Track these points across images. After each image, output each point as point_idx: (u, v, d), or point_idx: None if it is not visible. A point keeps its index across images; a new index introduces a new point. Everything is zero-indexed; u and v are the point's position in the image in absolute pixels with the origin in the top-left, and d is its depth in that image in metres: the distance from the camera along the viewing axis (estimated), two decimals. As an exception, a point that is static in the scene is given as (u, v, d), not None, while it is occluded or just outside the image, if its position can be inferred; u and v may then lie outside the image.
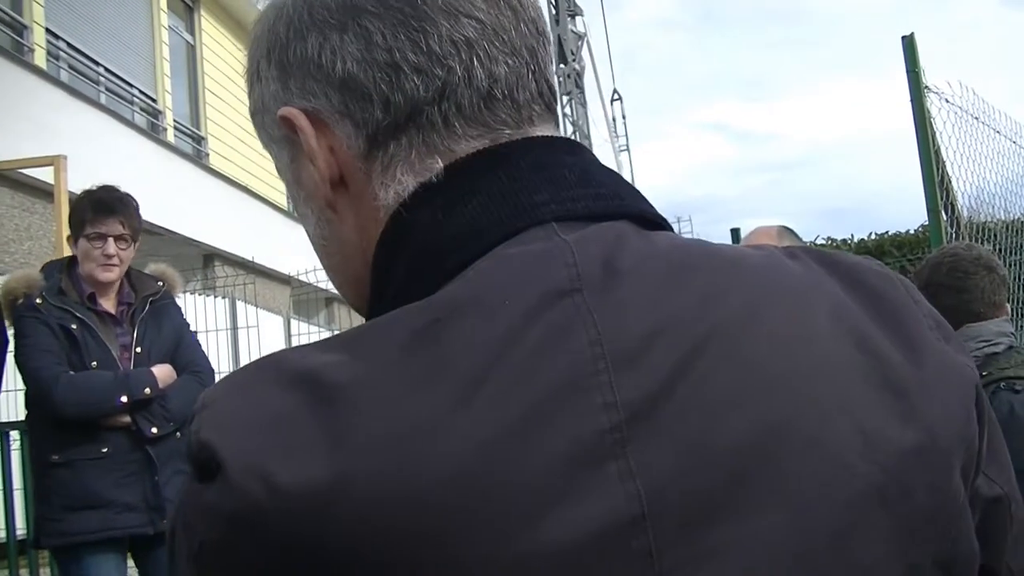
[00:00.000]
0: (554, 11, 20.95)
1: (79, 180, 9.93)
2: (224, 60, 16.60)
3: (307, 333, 9.66)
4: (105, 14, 13.27)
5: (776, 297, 0.78)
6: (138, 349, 3.96)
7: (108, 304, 3.99)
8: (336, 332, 11.50)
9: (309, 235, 0.95)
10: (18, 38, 11.15)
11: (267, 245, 15.52)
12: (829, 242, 11.56)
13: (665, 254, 0.79)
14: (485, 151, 0.84)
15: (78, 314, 3.87)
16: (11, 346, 3.95)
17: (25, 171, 10.02)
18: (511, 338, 0.71)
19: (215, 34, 16.50)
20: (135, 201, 4.08)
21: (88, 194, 4.06)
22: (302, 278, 12.00)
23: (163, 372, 3.92)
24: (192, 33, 16.06)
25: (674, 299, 0.74)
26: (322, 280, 7.81)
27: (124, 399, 3.77)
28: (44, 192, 10.30)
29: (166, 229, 12.74)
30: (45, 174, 9.91)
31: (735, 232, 7.40)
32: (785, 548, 0.69)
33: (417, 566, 0.65)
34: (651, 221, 0.84)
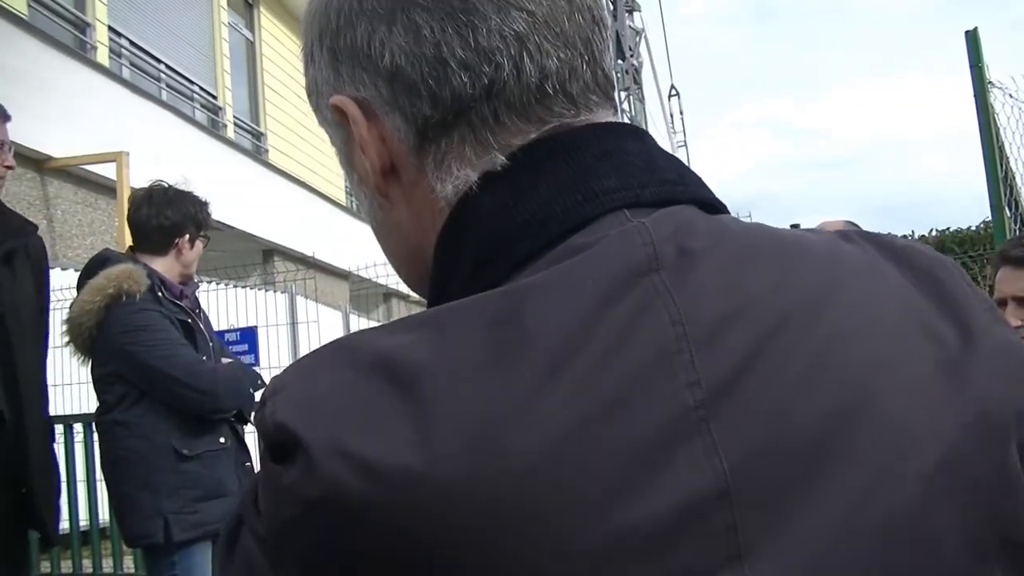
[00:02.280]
0: (612, 6, 20.91)
1: (140, 176, 10.05)
2: (283, 56, 16.70)
3: (367, 327, 9.66)
4: (166, 12, 13.40)
5: (843, 279, 0.79)
6: (211, 344, 4.07)
7: (187, 301, 4.07)
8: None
9: (366, 215, 0.95)
10: (81, 36, 11.27)
11: (326, 240, 15.61)
12: (888, 238, 11.36)
13: (735, 237, 0.79)
14: (548, 139, 0.83)
15: (186, 308, 3.97)
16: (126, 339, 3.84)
17: (88, 167, 10.15)
18: (595, 318, 0.71)
19: (274, 31, 16.61)
20: None
21: (195, 198, 4.09)
22: (361, 273, 12.03)
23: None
24: (252, 30, 16.17)
25: (747, 281, 0.75)
26: (381, 275, 7.81)
27: (251, 391, 3.92)
28: (106, 188, 10.42)
29: (226, 224, 12.82)
30: (107, 170, 10.03)
31: (795, 228, 7.34)
32: (861, 521, 0.70)
33: (504, 546, 0.65)
34: (713, 206, 0.84)
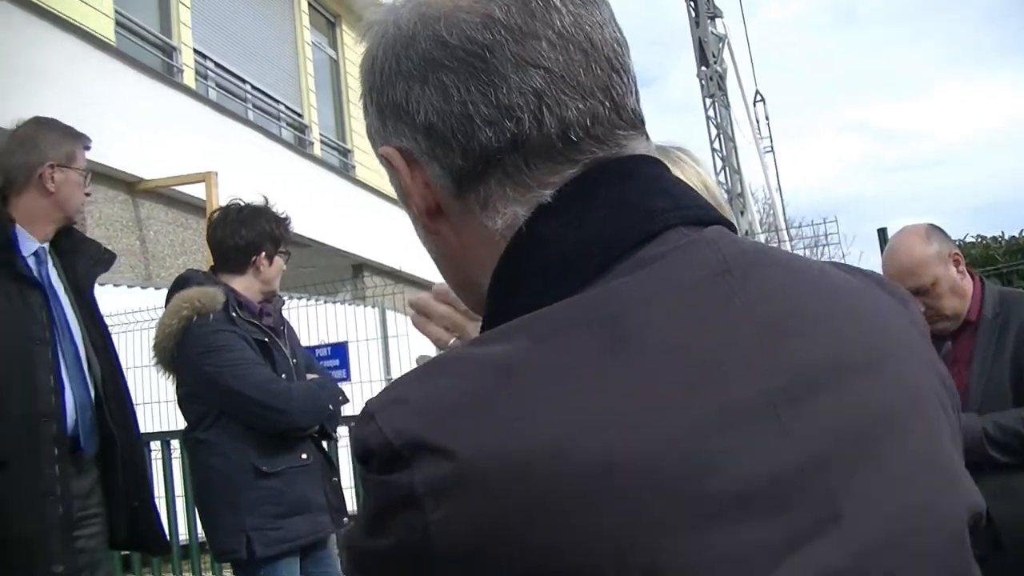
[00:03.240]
0: (694, 14, 20.64)
1: (229, 195, 10.14)
2: (367, 73, 16.78)
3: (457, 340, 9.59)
4: (250, 33, 13.54)
5: (854, 292, 0.97)
6: (294, 360, 4.05)
7: (268, 319, 4.06)
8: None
9: (423, 246, 1.06)
10: (168, 60, 11.43)
11: (414, 254, 15.61)
12: (979, 239, 10.99)
13: (767, 251, 0.95)
14: (596, 169, 0.92)
15: (264, 327, 3.96)
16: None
17: (178, 188, 10.26)
18: (686, 313, 0.84)
19: (358, 48, 16.64)
20: None
21: (267, 210, 4.12)
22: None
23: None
24: (335, 48, 16.30)
25: (791, 286, 0.91)
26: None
27: (331, 407, 3.92)
28: (196, 208, 10.54)
29: (315, 241, 12.91)
30: (197, 190, 10.14)
31: (882, 232, 7.07)
32: (916, 480, 0.88)
33: (637, 511, 0.75)
34: (732, 227, 0.97)
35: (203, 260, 10.58)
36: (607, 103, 0.93)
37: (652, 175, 0.94)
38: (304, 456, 3.87)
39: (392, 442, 0.78)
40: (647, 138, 0.98)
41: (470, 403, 0.78)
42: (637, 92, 0.98)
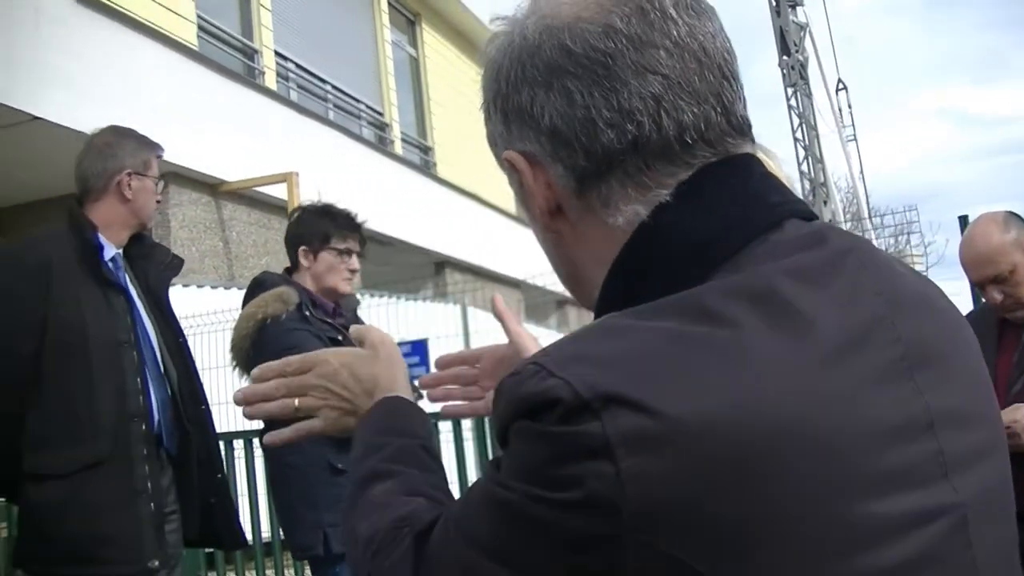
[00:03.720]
0: (775, 3, 20.39)
1: (312, 195, 10.23)
2: (447, 71, 16.85)
3: (538, 336, 9.56)
4: (330, 34, 13.66)
5: (926, 284, 1.09)
6: None
7: (340, 319, 4.06)
8: (567, 333, 11.57)
9: (540, 245, 1.14)
10: (249, 62, 11.57)
11: (496, 250, 15.65)
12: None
13: (867, 241, 1.08)
14: (715, 166, 1.00)
15: (337, 326, 3.95)
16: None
17: (260, 189, 10.38)
18: (828, 289, 0.94)
19: (437, 46, 16.77)
20: None
21: (325, 210, 4.13)
22: (532, 282, 11.99)
23: None
24: (415, 46, 16.37)
25: (890, 273, 1.02)
26: (552, 283, 7.72)
27: None
28: (278, 208, 10.65)
29: (397, 239, 12.99)
30: (279, 190, 10.24)
31: (963, 220, 6.88)
32: (994, 445, 1.04)
33: (811, 474, 0.84)
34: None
35: (285, 260, 10.68)
36: (719, 108, 1.00)
37: (763, 172, 1.03)
38: None
39: (582, 394, 0.83)
40: (752, 142, 1.05)
41: (657, 363, 0.85)
42: (745, 99, 1.05)
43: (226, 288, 8.93)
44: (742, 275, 0.93)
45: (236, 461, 6.41)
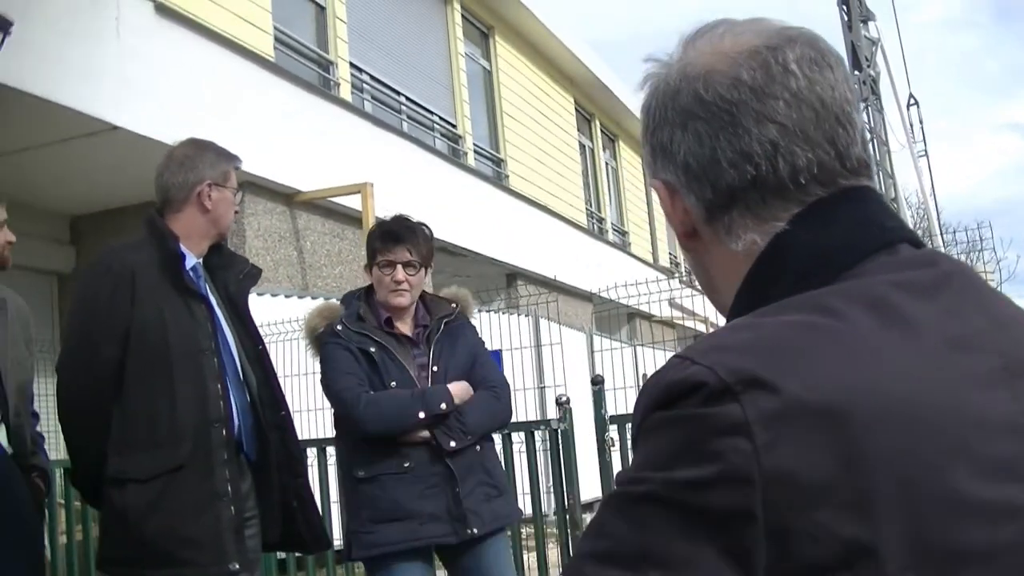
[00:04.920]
0: (846, 17, 20.14)
1: (385, 206, 10.29)
2: (519, 83, 16.89)
3: (609, 349, 9.56)
4: (404, 46, 13.74)
5: (1015, 305, 1.15)
6: (435, 368, 4.09)
7: (404, 327, 4.15)
8: (637, 346, 11.21)
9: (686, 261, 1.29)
10: (325, 74, 11.67)
11: (568, 262, 15.63)
12: None
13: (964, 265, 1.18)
14: (828, 197, 1.11)
15: (376, 338, 4.05)
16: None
17: (335, 199, 10.45)
18: (935, 303, 1.04)
19: (510, 58, 16.81)
20: (426, 228, 4.23)
21: (379, 225, 4.30)
22: (605, 294, 11.96)
23: (459, 388, 4.03)
24: (488, 59, 16.41)
25: (986, 294, 1.11)
26: (623, 296, 7.69)
27: (422, 415, 3.89)
28: (352, 218, 10.73)
29: (469, 250, 13.03)
30: (353, 201, 10.32)
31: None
32: None
33: (932, 454, 0.94)
34: None
35: (359, 269, 10.74)
36: (832, 152, 1.12)
37: (879, 201, 1.15)
38: (407, 464, 3.91)
39: (724, 378, 0.94)
40: (869, 178, 1.17)
41: (786, 348, 0.97)
42: (863, 140, 1.17)
43: (300, 297, 8.99)
44: (857, 282, 1.05)
45: (329, 468, 6.49)
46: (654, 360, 8.68)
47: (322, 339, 4.08)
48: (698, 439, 0.93)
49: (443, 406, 3.93)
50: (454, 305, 4.30)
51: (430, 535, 3.90)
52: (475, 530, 3.91)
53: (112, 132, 7.88)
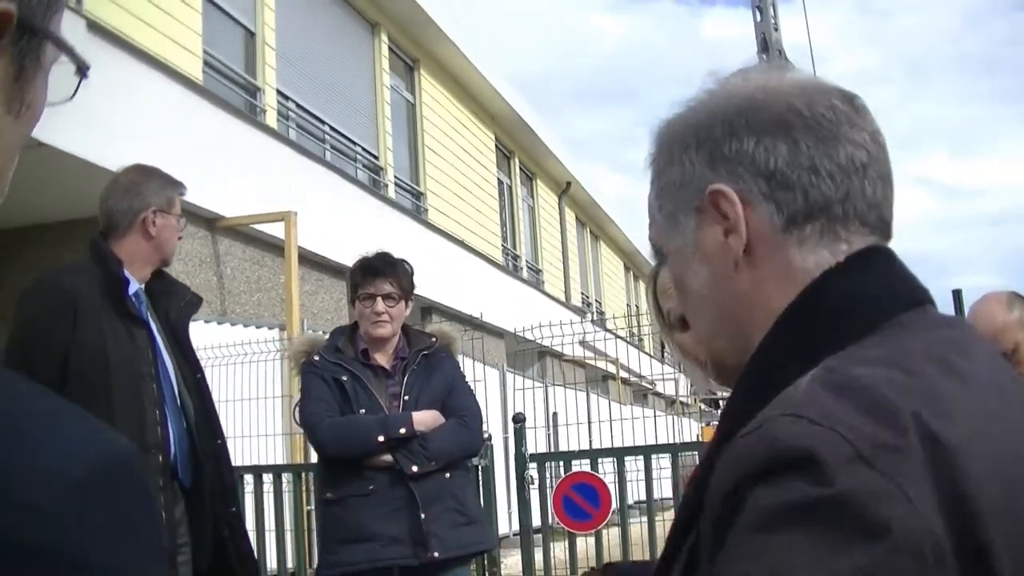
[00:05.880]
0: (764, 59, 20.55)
1: (305, 234, 10.28)
2: (442, 117, 16.98)
3: (522, 388, 9.64)
4: (331, 75, 13.76)
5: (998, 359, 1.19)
6: (406, 397, 4.27)
7: (383, 359, 4.36)
8: (548, 385, 11.25)
9: (690, 288, 1.24)
10: (252, 99, 11.64)
11: (483, 299, 15.70)
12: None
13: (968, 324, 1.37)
14: (874, 247, 1.15)
15: (350, 368, 4.26)
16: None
17: (257, 226, 10.42)
18: (977, 361, 1.08)
19: (434, 92, 16.90)
20: (407, 265, 4.48)
21: (360, 261, 4.48)
22: (524, 334, 12.04)
23: (425, 416, 4.19)
24: (412, 92, 16.49)
25: (995, 358, 1.17)
26: (538, 336, 7.79)
27: (381, 438, 4.06)
28: (273, 246, 10.68)
29: (387, 282, 12.98)
30: (275, 228, 10.28)
31: (957, 294, 6.94)
32: None
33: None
34: None
35: (277, 298, 10.71)
36: (890, 198, 1.18)
37: (902, 261, 1.18)
38: (371, 487, 4.07)
39: (855, 445, 0.91)
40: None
41: (900, 408, 0.95)
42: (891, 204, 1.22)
43: (219, 323, 8.95)
44: (915, 344, 1.06)
45: (246, 496, 6.49)
46: (564, 399, 8.73)
47: (302, 368, 4.32)
48: (859, 514, 0.88)
49: (402, 431, 4.08)
50: (434, 339, 4.47)
51: (391, 557, 4.04)
52: (436, 554, 4.04)
53: (38, 149, 7.78)
